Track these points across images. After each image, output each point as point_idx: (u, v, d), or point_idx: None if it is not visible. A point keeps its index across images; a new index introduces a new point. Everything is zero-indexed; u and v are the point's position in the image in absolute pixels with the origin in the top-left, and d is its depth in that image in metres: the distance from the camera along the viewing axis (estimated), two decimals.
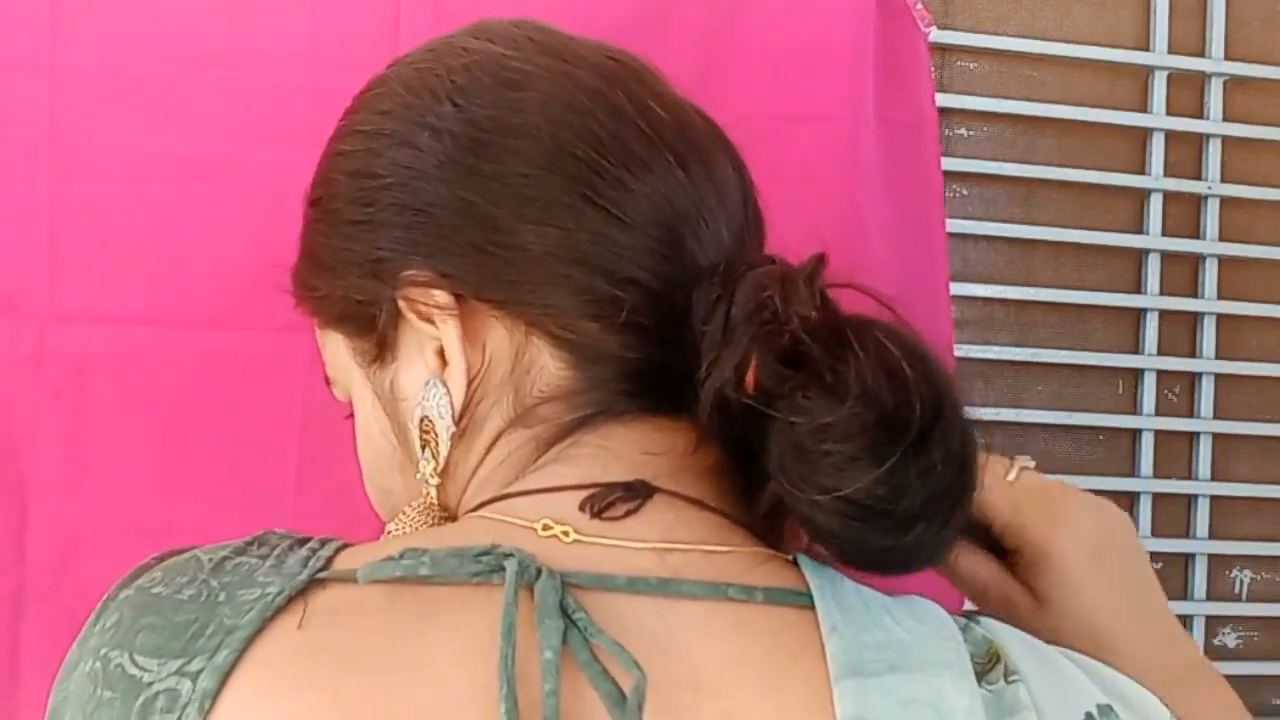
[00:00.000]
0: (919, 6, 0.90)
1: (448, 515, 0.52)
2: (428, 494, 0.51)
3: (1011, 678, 0.42)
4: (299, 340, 0.76)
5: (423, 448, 0.50)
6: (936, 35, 0.95)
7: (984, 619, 0.46)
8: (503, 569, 0.40)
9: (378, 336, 0.51)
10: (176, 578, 0.42)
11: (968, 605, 0.57)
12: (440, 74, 0.51)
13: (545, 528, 0.44)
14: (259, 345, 0.76)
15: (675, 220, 0.49)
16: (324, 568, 0.42)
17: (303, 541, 0.45)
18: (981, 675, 0.42)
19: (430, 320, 0.49)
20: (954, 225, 1.00)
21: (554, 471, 0.47)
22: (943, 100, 0.98)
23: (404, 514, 0.52)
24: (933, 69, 0.94)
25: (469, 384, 0.49)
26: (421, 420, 0.50)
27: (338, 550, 0.44)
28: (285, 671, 0.39)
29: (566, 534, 0.44)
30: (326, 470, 0.76)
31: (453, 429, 0.49)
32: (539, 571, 0.41)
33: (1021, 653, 0.43)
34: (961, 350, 1.01)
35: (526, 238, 0.48)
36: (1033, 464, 0.54)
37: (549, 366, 0.49)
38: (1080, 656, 0.46)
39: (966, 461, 0.44)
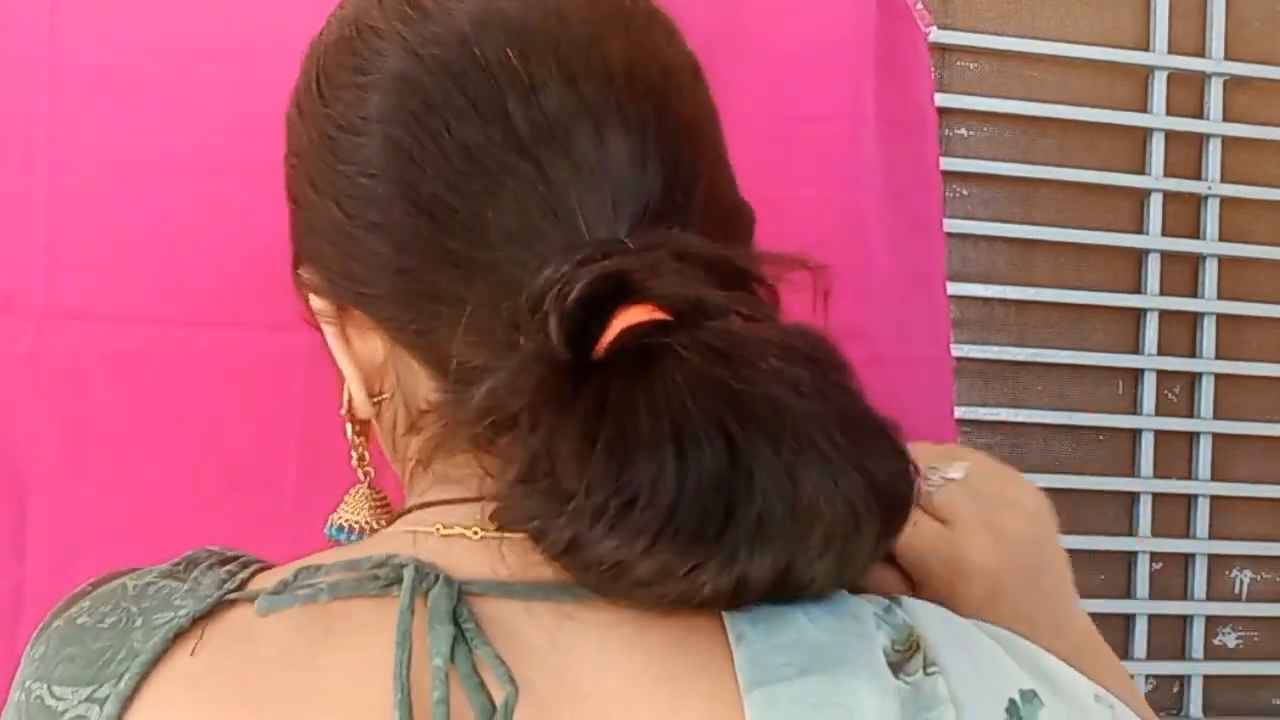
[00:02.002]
0: (919, 6, 0.90)
1: (384, 502, 0.52)
2: (365, 479, 0.52)
3: (930, 669, 0.40)
4: (299, 339, 0.76)
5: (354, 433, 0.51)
6: (936, 35, 0.95)
7: (905, 600, 0.44)
8: (400, 581, 0.40)
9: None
10: (100, 606, 0.43)
11: None
12: (317, 50, 0.49)
13: (446, 526, 0.43)
14: (259, 344, 0.75)
15: (514, 220, 0.42)
16: (238, 588, 0.42)
17: (225, 561, 0.44)
18: (899, 666, 0.40)
19: None
20: (954, 225, 1.00)
21: (445, 488, 0.45)
22: (943, 100, 0.98)
23: (345, 502, 0.52)
24: (933, 69, 0.94)
25: (366, 383, 0.48)
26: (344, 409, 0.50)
27: (255, 571, 0.44)
28: (175, 699, 0.39)
29: (475, 533, 0.43)
30: (326, 470, 0.76)
31: (353, 424, 0.50)
32: (436, 578, 0.40)
33: (943, 638, 0.42)
34: (961, 350, 1.01)
35: (369, 246, 0.44)
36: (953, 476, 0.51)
37: (421, 376, 0.46)
38: (1004, 633, 0.44)
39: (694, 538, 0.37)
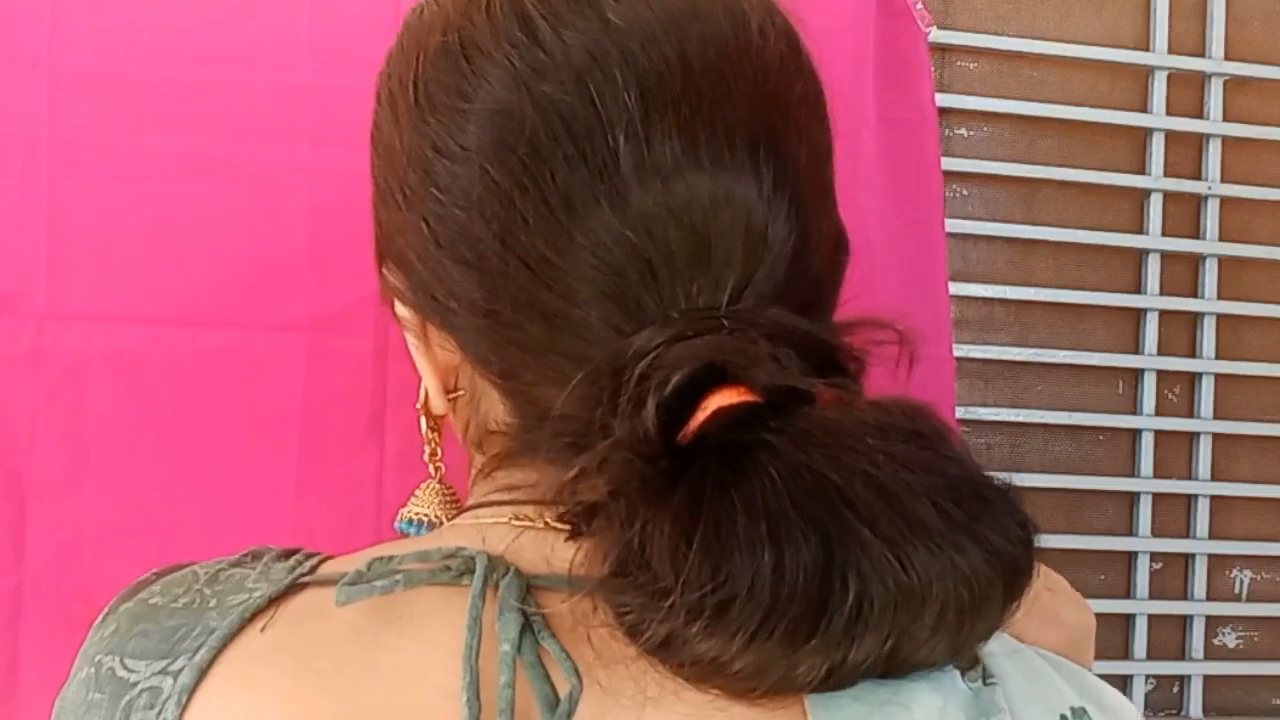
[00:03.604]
0: (919, 6, 0.90)
1: (453, 497, 0.53)
2: (436, 474, 0.53)
3: (990, 680, 0.41)
4: (299, 340, 0.76)
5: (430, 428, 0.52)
6: (936, 35, 0.95)
7: None
8: (473, 571, 0.41)
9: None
10: (174, 589, 0.44)
11: None
12: (416, 45, 0.45)
13: (518, 518, 0.44)
14: (259, 345, 0.75)
15: (612, 280, 0.40)
16: (308, 574, 0.43)
17: (289, 553, 0.46)
18: (964, 672, 0.41)
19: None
20: (954, 225, 1.00)
21: (509, 491, 0.46)
22: (943, 100, 0.98)
23: (416, 497, 0.53)
24: (933, 69, 0.94)
25: (443, 380, 0.48)
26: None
27: (322, 560, 0.45)
28: (245, 673, 0.40)
29: (545, 524, 0.43)
30: (326, 470, 0.76)
31: (428, 419, 0.51)
32: (507, 569, 0.41)
33: (999, 655, 0.42)
34: (961, 350, 1.01)
35: (458, 279, 0.43)
36: None
37: (495, 400, 0.46)
38: (1055, 658, 0.45)
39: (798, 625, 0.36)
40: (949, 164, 0.99)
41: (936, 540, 0.36)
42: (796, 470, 0.37)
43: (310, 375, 0.76)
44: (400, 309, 0.47)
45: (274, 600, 0.42)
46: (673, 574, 0.36)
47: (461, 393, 0.48)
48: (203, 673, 0.40)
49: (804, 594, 0.35)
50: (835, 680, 0.37)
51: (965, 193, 1.04)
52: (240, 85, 0.76)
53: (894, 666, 0.37)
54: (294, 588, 0.43)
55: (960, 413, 1.01)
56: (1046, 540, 1.14)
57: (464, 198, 0.42)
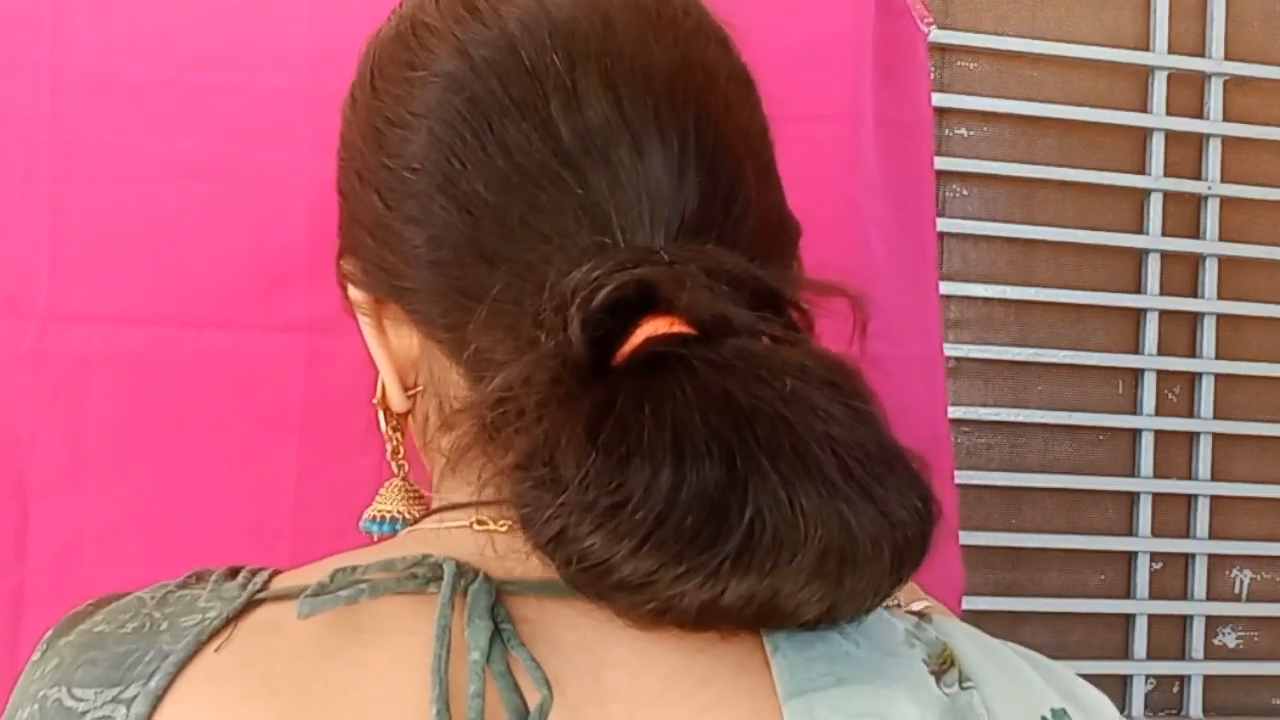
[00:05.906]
0: (919, 6, 0.90)
1: (417, 495, 0.52)
2: (400, 471, 0.52)
3: (966, 684, 0.41)
4: (299, 340, 0.76)
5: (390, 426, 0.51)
6: (936, 35, 0.95)
7: (936, 618, 0.44)
8: (439, 579, 0.40)
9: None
10: (120, 615, 0.43)
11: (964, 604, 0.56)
12: (374, 44, 0.49)
13: (479, 523, 0.43)
14: (259, 345, 0.76)
15: (549, 221, 0.42)
16: (262, 589, 0.42)
17: (235, 571, 0.45)
18: (938, 677, 0.41)
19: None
20: (954, 225, 1.00)
21: (473, 491, 0.44)
22: (943, 100, 0.99)
23: (380, 495, 0.52)
24: (932, 69, 0.95)
25: (400, 375, 0.48)
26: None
27: (272, 575, 0.44)
28: (202, 695, 0.39)
29: (503, 526, 0.42)
30: (326, 470, 0.76)
31: (387, 418, 0.50)
32: (475, 575, 0.41)
33: (976, 656, 0.42)
34: (962, 350, 1.01)
35: (405, 238, 0.44)
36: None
37: (453, 373, 0.46)
38: (1034, 655, 0.45)
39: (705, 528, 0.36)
40: (949, 164, 1.00)
41: (828, 487, 0.36)
42: (709, 390, 0.37)
43: (310, 375, 0.76)
44: (353, 292, 0.48)
45: (230, 620, 0.41)
46: (573, 470, 0.36)
47: (420, 389, 0.48)
48: (158, 700, 0.39)
49: (699, 509, 0.35)
50: (710, 617, 0.37)
51: (965, 193, 1.04)
52: (241, 88, 0.76)
53: (770, 613, 0.37)
54: (249, 605, 0.42)
55: (960, 413, 1.01)
56: (1046, 540, 1.15)
57: (412, 159, 0.44)
